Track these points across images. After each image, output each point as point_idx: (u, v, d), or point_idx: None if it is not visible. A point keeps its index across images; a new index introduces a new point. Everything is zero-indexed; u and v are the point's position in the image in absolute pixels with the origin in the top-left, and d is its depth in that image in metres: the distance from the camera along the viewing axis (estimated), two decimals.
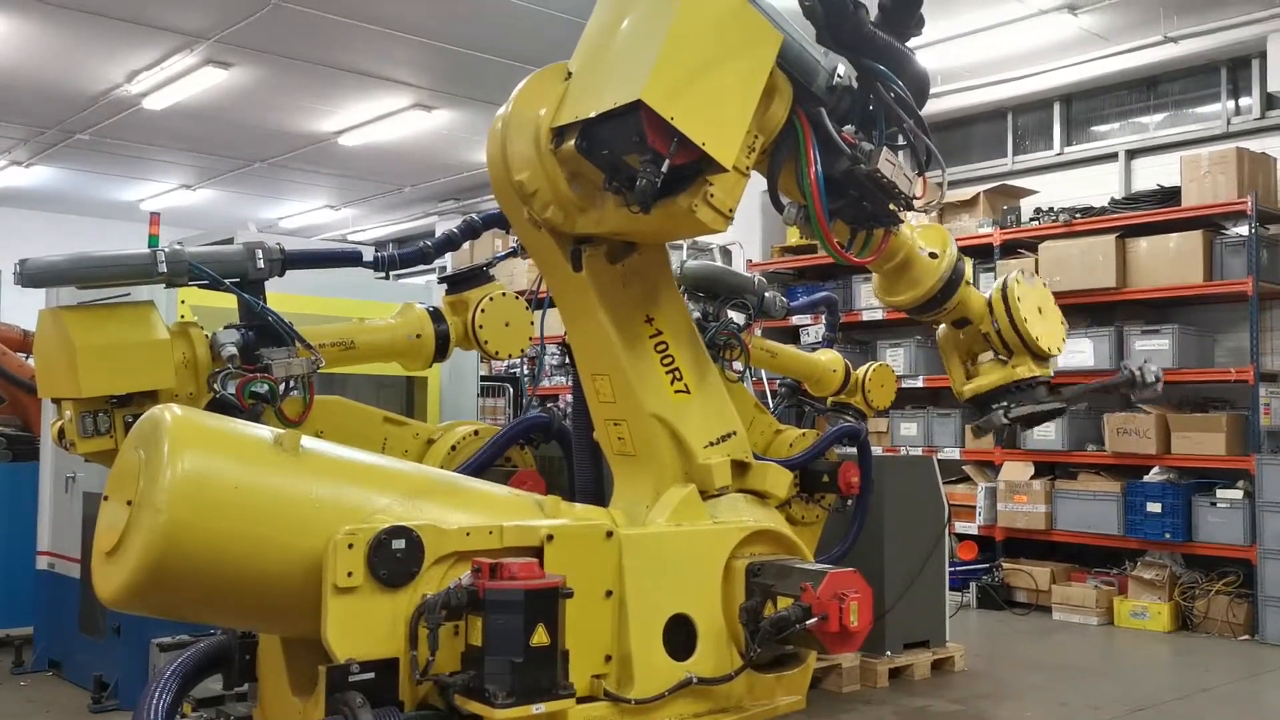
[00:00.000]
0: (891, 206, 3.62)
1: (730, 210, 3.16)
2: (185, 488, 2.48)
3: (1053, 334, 4.46)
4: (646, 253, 3.52)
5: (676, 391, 3.42)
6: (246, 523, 2.54)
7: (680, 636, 3.13)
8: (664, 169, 2.91)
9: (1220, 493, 8.35)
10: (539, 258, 3.56)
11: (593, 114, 2.97)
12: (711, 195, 3.09)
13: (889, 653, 6.66)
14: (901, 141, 3.65)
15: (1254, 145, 8.92)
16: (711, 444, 3.45)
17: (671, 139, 2.89)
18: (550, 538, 2.88)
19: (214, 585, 2.56)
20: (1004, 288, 4.40)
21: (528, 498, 3.16)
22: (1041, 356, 4.42)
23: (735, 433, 3.54)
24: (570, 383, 12.75)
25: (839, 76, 3.35)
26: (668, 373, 3.43)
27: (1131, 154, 10.17)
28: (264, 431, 2.75)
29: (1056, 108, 10.60)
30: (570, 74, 3.19)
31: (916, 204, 3.68)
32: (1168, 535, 8.46)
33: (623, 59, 3.03)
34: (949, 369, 4.71)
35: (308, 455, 2.72)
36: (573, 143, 3.07)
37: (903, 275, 4.30)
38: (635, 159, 2.96)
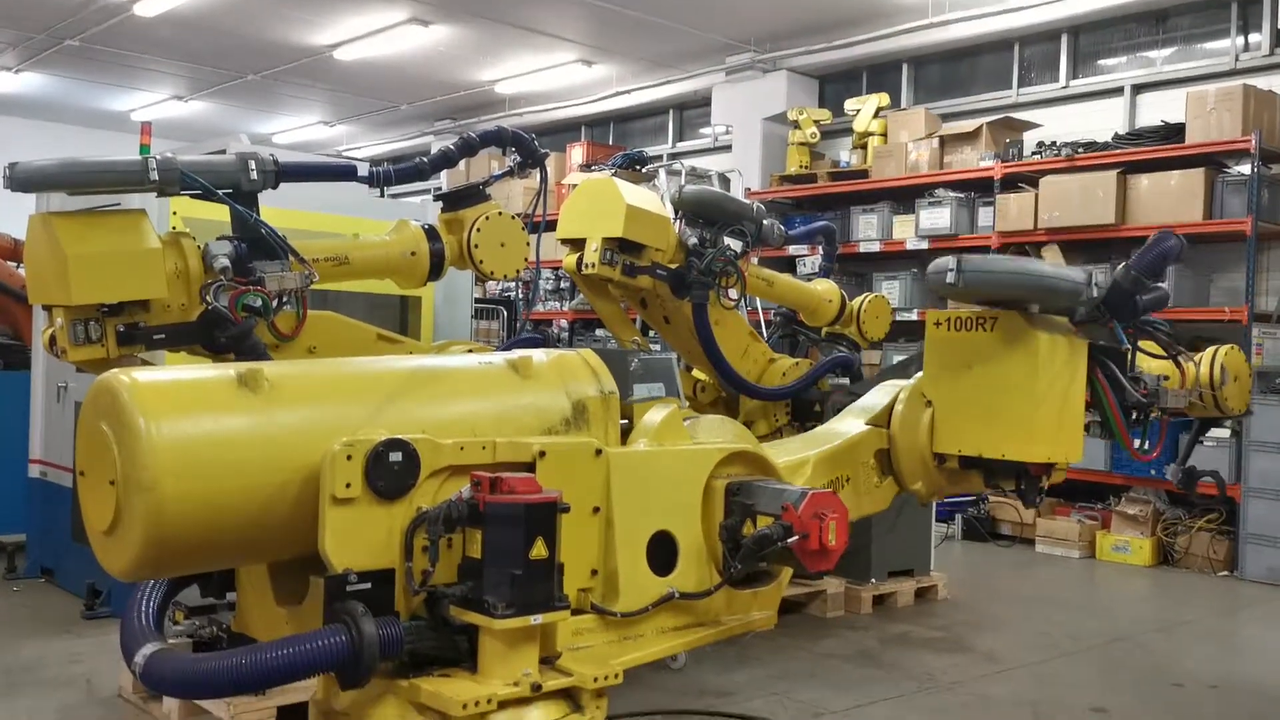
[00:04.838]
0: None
1: None
2: (166, 460, 2.42)
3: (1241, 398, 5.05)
4: None
5: None
6: (235, 477, 2.51)
7: (663, 553, 3.17)
8: (1043, 484, 3.93)
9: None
10: None
11: (982, 455, 3.85)
12: None
13: (873, 580, 6.77)
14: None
15: (1261, 83, 8.82)
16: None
17: (1049, 468, 3.88)
18: (542, 454, 2.89)
19: (217, 539, 2.55)
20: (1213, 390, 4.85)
21: (500, 365, 3.11)
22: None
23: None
24: (568, 309, 12.59)
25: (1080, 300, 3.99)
26: None
27: (1137, 89, 10.06)
28: (225, 372, 2.68)
29: (1064, 39, 10.45)
30: (929, 401, 3.98)
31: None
32: (1153, 472, 8.54)
33: (995, 409, 3.82)
34: None
35: (276, 387, 2.67)
36: (955, 464, 3.98)
37: None
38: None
